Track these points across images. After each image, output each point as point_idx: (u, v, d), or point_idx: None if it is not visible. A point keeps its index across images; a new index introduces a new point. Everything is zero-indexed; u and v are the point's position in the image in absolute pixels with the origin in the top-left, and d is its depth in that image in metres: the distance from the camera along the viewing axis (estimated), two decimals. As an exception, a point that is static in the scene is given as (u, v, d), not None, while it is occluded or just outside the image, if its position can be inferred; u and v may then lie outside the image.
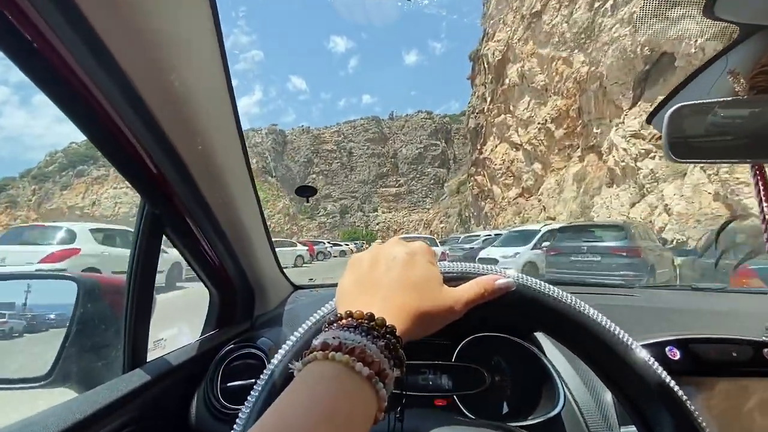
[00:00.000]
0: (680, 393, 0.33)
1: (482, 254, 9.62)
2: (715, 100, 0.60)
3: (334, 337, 0.26)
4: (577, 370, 0.72)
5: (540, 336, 0.78)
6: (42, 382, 0.65)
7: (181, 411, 0.71)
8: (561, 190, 18.14)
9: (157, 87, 0.45)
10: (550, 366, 0.71)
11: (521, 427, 0.53)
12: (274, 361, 0.34)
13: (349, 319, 0.28)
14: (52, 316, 0.73)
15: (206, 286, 0.86)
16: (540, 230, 9.56)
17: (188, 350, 0.75)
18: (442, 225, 66.77)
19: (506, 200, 25.42)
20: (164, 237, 0.67)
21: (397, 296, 0.31)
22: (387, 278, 0.33)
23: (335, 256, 26.38)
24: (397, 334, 0.29)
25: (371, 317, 0.28)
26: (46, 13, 0.35)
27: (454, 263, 0.38)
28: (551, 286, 0.36)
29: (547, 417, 0.64)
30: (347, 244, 35.92)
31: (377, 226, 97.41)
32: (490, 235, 14.75)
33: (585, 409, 0.66)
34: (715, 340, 0.63)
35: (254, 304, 0.94)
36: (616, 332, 0.35)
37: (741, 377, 0.62)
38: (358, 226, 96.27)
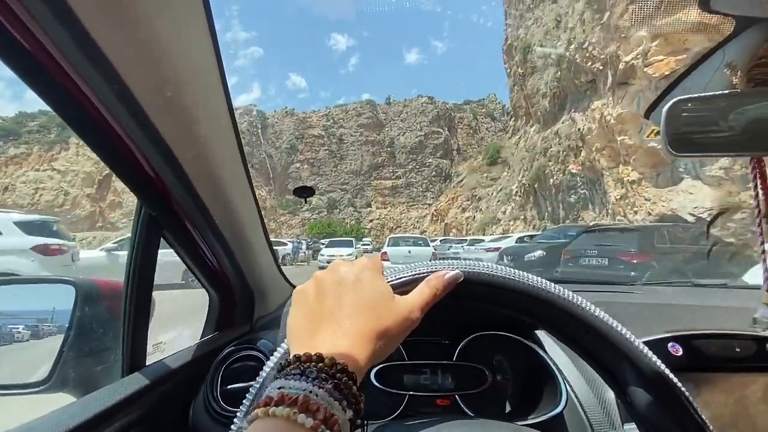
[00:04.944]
0: (682, 389, 0.36)
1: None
2: (714, 93, 0.67)
3: (279, 388, 0.28)
4: (579, 368, 0.78)
5: (541, 334, 0.86)
6: (41, 387, 0.72)
7: (181, 414, 0.78)
8: None
9: (151, 87, 0.50)
10: (551, 364, 0.78)
11: (524, 425, 0.58)
12: (262, 373, 0.38)
13: (297, 363, 0.30)
14: (52, 321, 0.80)
15: (205, 288, 0.93)
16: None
17: (187, 353, 0.82)
18: (466, 215, 45.03)
19: None
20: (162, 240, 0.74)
21: (351, 324, 0.34)
22: (337, 307, 0.35)
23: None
24: (360, 362, 0.31)
25: (319, 358, 0.30)
26: (40, 16, 0.39)
27: (399, 268, 0.41)
28: (507, 269, 0.40)
29: (549, 415, 0.70)
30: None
31: (370, 224, 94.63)
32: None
33: (587, 407, 0.73)
34: (718, 335, 0.69)
35: (254, 306, 1.02)
36: (614, 325, 0.38)
37: (744, 372, 0.67)
38: (348, 222, 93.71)
